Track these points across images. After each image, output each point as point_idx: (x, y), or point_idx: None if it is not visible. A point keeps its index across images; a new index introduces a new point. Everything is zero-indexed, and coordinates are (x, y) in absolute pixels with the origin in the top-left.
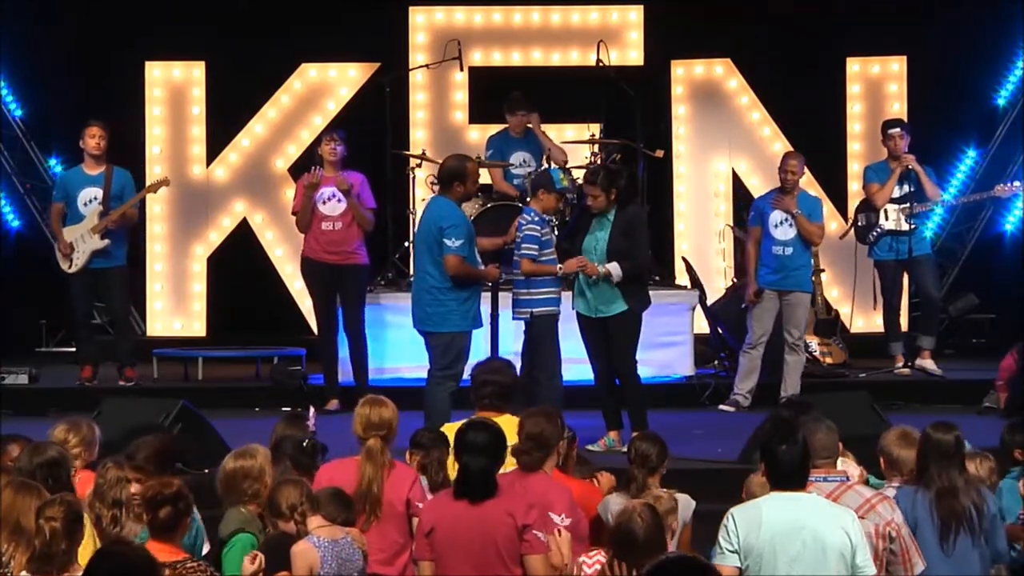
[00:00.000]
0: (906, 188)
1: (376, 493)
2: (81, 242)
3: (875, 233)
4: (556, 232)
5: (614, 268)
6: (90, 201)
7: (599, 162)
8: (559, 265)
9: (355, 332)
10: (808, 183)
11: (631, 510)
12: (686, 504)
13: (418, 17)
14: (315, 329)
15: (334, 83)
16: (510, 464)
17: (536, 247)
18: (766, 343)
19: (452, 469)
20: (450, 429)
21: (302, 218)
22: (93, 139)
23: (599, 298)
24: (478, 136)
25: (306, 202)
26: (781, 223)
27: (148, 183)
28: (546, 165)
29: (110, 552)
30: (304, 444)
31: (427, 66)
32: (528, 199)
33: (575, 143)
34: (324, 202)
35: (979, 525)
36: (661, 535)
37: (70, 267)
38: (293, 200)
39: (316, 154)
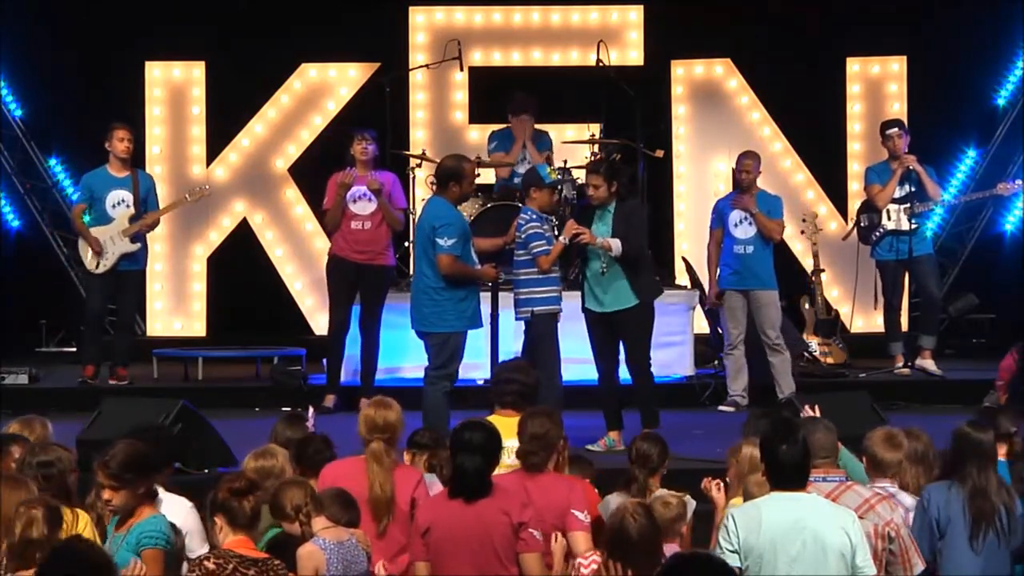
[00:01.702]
0: (907, 188)
1: (389, 495)
2: (111, 244)
3: (878, 233)
4: (557, 231)
5: (614, 243)
6: (118, 203)
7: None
8: (563, 238)
9: (370, 332)
10: (807, 182)
11: (624, 510)
12: (688, 505)
13: (418, 17)
14: (314, 328)
15: (334, 83)
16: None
17: (545, 243)
18: (747, 344)
19: None
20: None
21: (332, 217)
22: (122, 142)
23: (609, 292)
24: (478, 136)
25: (338, 200)
26: (741, 222)
27: (187, 192)
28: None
29: (66, 549)
30: (312, 439)
31: (427, 66)
32: (524, 200)
33: (575, 143)
34: (354, 201)
35: (1008, 525)
36: (656, 535)
37: (97, 267)
38: (325, 197)
39: (348, 154)
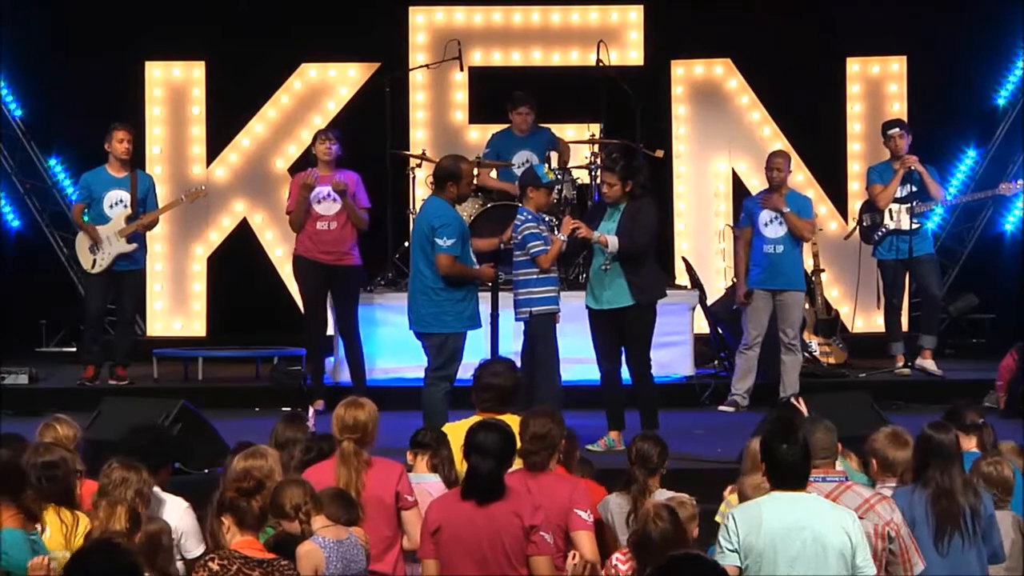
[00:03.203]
0: (909, 188)
1: (354, 495)
2: (107, 244)
3: (880, 233)
4: (556, 231)
5: (611, 239)
6: (116, 203)
7: (599, 162)
8: (561, 235)
9: (350, 333)
10: (807, 182)
11: (647, 513)
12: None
13: (418, 17)
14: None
15: (334, 83)
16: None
17: (542, 243)
18: (762, 343)
19: (460, 466)
20: (451, 429)
21: (296, 218)
22: (122, 143)
23: (607, 290)
24: (478, 136)
25: (301, 202)
26: (771, 222)
27: (184, 192)
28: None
29: (94, 550)
30: (322, 439)
31: (427, 66)
32: (522, 200)
33: (575, 143)
34: (319, 202)
35: (974, 526)
36: (681, 535)
37: (93, 267)
38: (287, 200)
39: (310, 154)
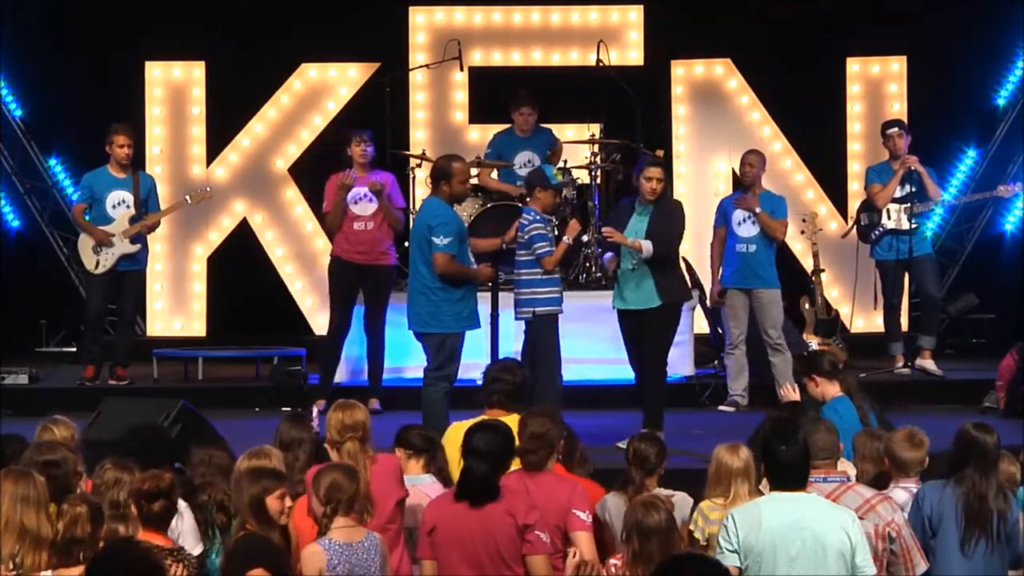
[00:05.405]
0: (908, 188)
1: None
2: (110, 244)
3: (877, 232)
4: (558, 232)
5: (645, 244)
6: (119, 204)
7: (599, 162)
8: (567, 237)
9: (376, 333)
10: (807, 182)
11: (638, 504)
12: (684, 503)
13: (418, 17)
14: (314, 328)
15: (334, 83)
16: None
17: (547, 244)
18: (748, 344)
19: (457, 467)
20: (457, 429)
21: (333, 219)
22: (122, 148)
23: (635, 291)
24: (478, 136)
25: (338, 202)
26: (744, 221)
27: (188, 194)
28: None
29: (114, 551)
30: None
31: (427, 66)
32: (527, 199)
33: (575, 143)
34: (356, 202)
35: (1000, 530)
36: (673, 525)
37: (96, 267)
38: (324, 200)
39: (345, 155)
